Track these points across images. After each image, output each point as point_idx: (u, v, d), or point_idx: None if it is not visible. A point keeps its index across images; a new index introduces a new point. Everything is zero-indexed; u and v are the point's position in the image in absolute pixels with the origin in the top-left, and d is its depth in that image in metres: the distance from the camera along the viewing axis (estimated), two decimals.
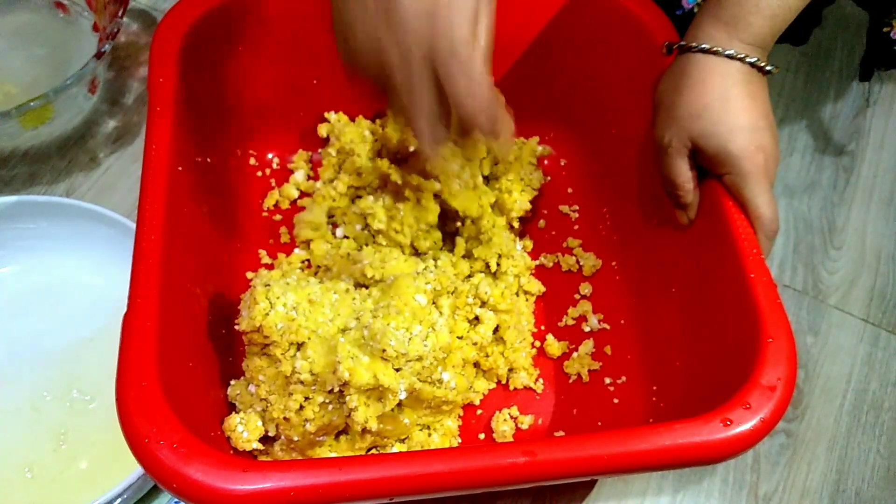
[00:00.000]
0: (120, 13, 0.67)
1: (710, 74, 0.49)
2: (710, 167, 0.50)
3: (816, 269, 0.72)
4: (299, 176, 0.67)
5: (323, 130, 0.67)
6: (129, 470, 0.50)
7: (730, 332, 0.47)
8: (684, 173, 0.51)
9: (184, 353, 0.46)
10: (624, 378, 0.58)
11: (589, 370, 0.58)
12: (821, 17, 0.70)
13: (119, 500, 0.50)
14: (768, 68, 0.50)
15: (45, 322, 0.61)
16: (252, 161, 0.68)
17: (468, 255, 0.60)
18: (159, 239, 0.45)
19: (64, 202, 0.61)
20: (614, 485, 0.59)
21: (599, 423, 0.56)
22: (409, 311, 0.48)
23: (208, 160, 0.57)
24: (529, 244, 0.65)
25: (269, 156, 0.68)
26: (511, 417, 0.56)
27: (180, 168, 0.50)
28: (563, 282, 0.63)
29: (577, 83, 0.67)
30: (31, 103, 0.62)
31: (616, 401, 0.57)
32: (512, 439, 0.55)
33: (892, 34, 0.68)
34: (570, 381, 0.58)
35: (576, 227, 0.67)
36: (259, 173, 0.67)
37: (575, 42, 0.65)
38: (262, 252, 0.63)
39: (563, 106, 0.69)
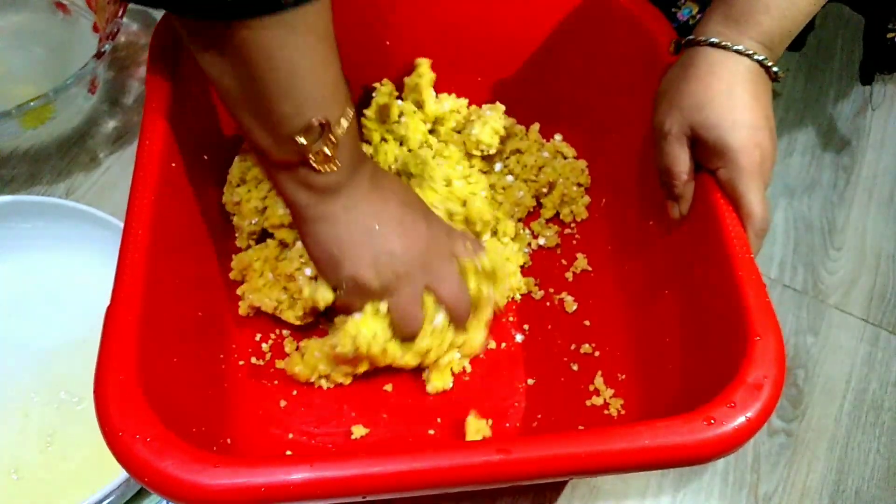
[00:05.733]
0: (120, 13, 0.67)
1: (717, 67, 0.49)
2: (706, 159, 0.50)
3: (816, 269, 0.72)
4: None
5: None
6: (116, 473, 0.49)
7: (719, 332, 0.47)
8: (683, 162, 0.51)
9: (168, 349, 0.46)
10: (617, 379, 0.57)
11: (582, 377, 0.58)
12: (814, 22, 0.70)
13: (105, 502, 0.50)
14: (775, 69, 0.50)
15: (35, 323, 0.61)
16: None
17: None
18: (147, 233, 0.45)
19: (58, 203, 0.61)
20: (614, 484, 0.59)
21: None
22: None
23: (205, 157, 0.57)
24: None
25: None
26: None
27: (173, 164, 0.50)
28: (555, 283, 0.63)
29: (578, 87, 0.67)
30: (31, 103, 0.62)
31: (610, 408, 0.56)
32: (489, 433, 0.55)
33: None
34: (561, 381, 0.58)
35: (568, 231, 0.66)
36: None
37: (576, 46, 0.65)
38: None
39: (563, 109, 0.69)
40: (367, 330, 0.52)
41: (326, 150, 0.45)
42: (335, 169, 0.46)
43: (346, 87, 0.46)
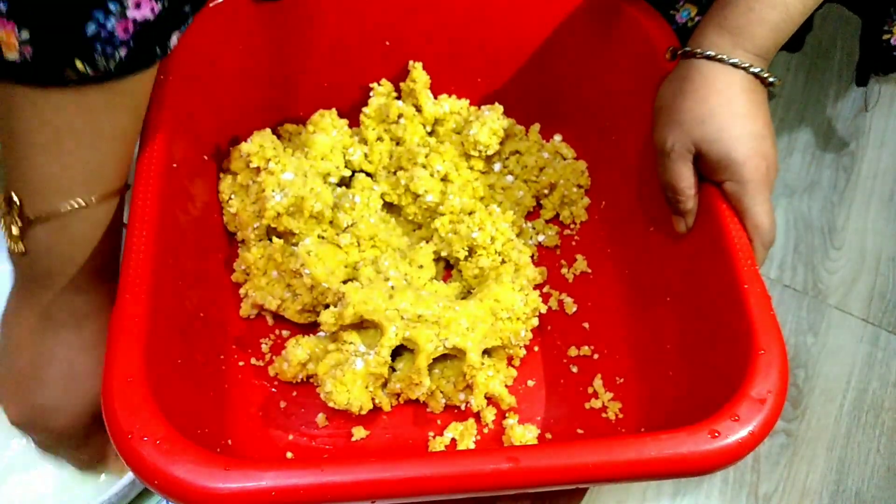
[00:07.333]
0: None
1: (714, 81, 0.49)
2: (711, 173, 0.50)
3: (816, 269, 0.72)
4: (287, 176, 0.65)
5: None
6: (117, 475, 0.49)
7: (722, 343, 0.47)
8: (686, 178, 0.51)
9: (173, 351, 0.46)
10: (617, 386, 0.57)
11: (581, 379, 0.58)
12: (812, 22, 0.71)
13: None
14: (771, 80, 0.50)
15: None
16: None
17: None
18: (151, 235, 0.45)
19: None
20: (614, 485, 0.59)
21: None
22: None
23: (205, 158, 0.57)
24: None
25: None
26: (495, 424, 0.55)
27: (175, 165, 0.50)
28: (555, 283, 0.63)
29: (578, 88, 0.67)
30: None
31: (608, 410, 0.57)
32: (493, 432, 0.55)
33: (892, 41, 0.68)
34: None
35: (568, 232, 0.66)
36: None
37: (576, 46, 0.65)
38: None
39: (563, 109, 0.69)
40: (316, 257, 0.56)
41: (12, 227, 0.42)
42: (17, 252, 0.43)
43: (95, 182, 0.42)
